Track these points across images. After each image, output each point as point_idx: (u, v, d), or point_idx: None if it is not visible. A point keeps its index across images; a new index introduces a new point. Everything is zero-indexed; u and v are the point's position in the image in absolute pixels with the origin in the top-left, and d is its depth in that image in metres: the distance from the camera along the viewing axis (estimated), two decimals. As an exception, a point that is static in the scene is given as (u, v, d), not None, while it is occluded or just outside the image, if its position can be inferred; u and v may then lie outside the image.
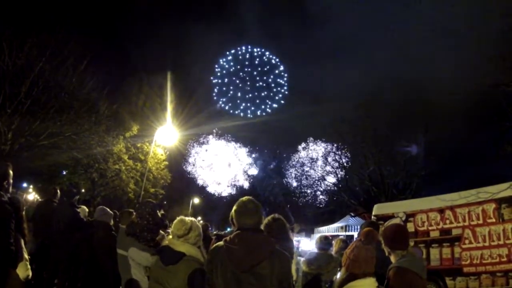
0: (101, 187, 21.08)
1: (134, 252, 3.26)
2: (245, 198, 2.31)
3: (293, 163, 29.80)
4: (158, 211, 4.06)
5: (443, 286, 7.95)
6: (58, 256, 5.14)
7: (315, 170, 26.51)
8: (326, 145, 26.79)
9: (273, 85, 61.82)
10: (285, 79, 62.11)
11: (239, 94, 61.26)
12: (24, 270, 2.83)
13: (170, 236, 2.83)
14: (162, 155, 24.52)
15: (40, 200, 9.88)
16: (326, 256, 3.81)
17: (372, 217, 10.07)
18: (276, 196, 32.87)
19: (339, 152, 25.15)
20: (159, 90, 26.99)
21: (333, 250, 4.53)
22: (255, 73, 62.30)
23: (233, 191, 35.43)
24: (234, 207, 2.26)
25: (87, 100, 16.88)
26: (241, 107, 60.50)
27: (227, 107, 59.57)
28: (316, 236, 8.87)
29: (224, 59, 62.06)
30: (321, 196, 27.39)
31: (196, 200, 38.68)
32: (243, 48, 62.92)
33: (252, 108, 60.55)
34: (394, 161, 20.91)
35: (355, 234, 16.06)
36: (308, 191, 28.23)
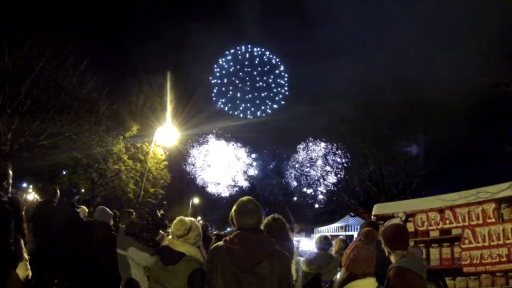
0: (101, 187, 21.08)
1: (133, 252, 3.27)
2: (245, 198, 2.31)
3: (293, 163, 29.82)
4: (158, 211, 4.06)
5: (443, 286, 7.95)
6: (58, 256, 5.15)
7: (315, 170, 26.50)
8: (326, 145, 26.78)
9: (273, 85, 60.81)
10: (285, 79, 61.13)
11: (238, 95, 60.29)
12: (24, 270, 2.83)
13: (170, 236, 2.83)
14: (162, 155, 24.52)
15: (40, 200, 9.88)
16: (326, 256, 3.81)
17: (372, 217, 10.06)
18: (276, 196, 32.87)
19: (339, 152, 25.15)
20: (159, 90, 27.03)
21: (333, 250, 4.53)
22: (255, 73, 61.29)
23: (233, 191, 35.42)
24: (234, 207, 2.26)
25: (87, 100, 16.88)
26: (241, 108, 59.60)
27: (226, 108, 58.67)
28: (316, 236, 8.86)
29: (223, 59, 61.07)
30: (321, 196, 27.38)
31: (196, 200, 38.69)
32: (243, 47, 61.85)
33: (252, 109, 59.68)
34: (394, 161, 20.91)
35: (355, 234, 16.06)
36: (308, 191, 28.25)
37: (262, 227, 2.49)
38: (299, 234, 23.94)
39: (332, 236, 12.06)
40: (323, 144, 27.04)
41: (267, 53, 62.21)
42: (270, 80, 61.34)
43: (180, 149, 28.80)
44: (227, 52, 61.46)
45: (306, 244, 21.02)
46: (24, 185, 26.98)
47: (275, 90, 61.28)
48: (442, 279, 7.98)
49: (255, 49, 62.20)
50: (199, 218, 30.84)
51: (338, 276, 2.65)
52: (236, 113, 58.27)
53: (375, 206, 10.68)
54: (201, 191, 36.92)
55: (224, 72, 61.31)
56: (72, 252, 5.03)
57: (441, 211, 8.57)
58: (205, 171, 36.40)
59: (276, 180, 33.59)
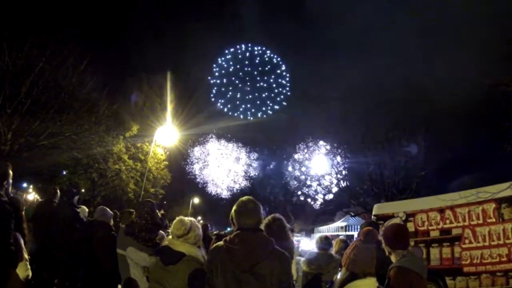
0: (101, 187, 21.09)
1: (132, 252, 3.27)
2: (245, 198, 2.30)
3: (293, 163, 29.84)
4: (158, 211, 4.05)
5: (443, 285, 7.95)
6: (58, 256, 5.14)
7: (315, 170, 26.51)
8: (326, 145, 26.80)
9: (274, 85, 58.92)
10: (287, 79, 59.16)
11: (238, 95, 58.25)
12: (24, 270, 2.83)
13: (170, 236, 2.82)
14: (162, 155, 24.53)
15: (40, 200, 9.89)
16: (327, 256, 3.81)
17: (372, 217, 10.06)
18: (276, 196, 32.88)
19: (339, 152, 25.15)
20: (159, 90, 27.04)
21: (333, 250, 4.52)
22: (255, 73, 59.44)
23: (233, 191, 35.45)
24: (234, 207, 2.26)
25: (87, 100, 16.88)
26: (241, 109, 57.51)
27: (226, 109, 56.74)
28: (316, 236, 8.86)
29: (222, 58, 59.10)
30: (321, 196, 27.40)
31: (196, 200, 38.69)
32: (243, 46, 59.62)
33: (253, 110, 57.59)
34: (394, 161, 20.92)
35: (355, 234, 16.07)
36: (308, 191, 28.27)
37: (262, 227, 2.48)
38: (299, 234, 23.99)
39: (332, 236, 12.07)
40: (323, 144, 27.07)
41: (268, 52, 60.22)
42: (271, 80, 59.43)
43: (180, 149, 28.82)
44: (226, 51, 59.47)
45: (306, 244, 21.05)
46: (24, 185, 26.99)
47: (276, 90, 59.26)
48: (443, 279, 7.97)
49: (255, 48, 60.25)
50: (199, 218, 30.82)
51: (339, 276, 2.65)
52: (236, 114, 56.37)
53: (375, 206, 10.67)
54: (201, 191, 36.99)
55: (223, 72, 59.35)
56: (72, 252, 5.02)
57: (441, 211, 8.57)
58: (205, 172, 36.46)
59: (276, 180, 33.63)
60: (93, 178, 20.53)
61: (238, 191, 34.95)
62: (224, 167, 37.14)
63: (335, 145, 25.46)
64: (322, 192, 26.80)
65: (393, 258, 2.63)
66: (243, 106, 57.58)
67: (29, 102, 14.23)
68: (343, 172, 24.70)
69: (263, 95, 58.43)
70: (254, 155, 37.52)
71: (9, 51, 13.55)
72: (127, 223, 3.62)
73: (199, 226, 2.85)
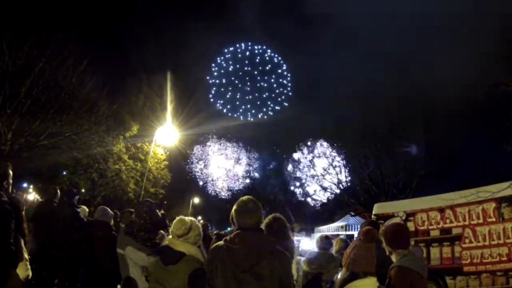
0: (101, 187, 21.10)
1: (130, 251, 3.27)
2: (245, 197, 2.30)
3: (293, 162, 29.83)
4: (158, 211, 4.05)
5: (443, 285, 7.95)
6: (58, 256, 5.14)
7: (315, 170, 26.51)
8: (326, 145, 26.80)
9: (275, 85, 57.09)
10: (288, 79, 57.36)
11: (238, 96, 56.31)
12: (24, 270, 2.83)
13: (170, 236, 2.82)
14: (162, 155, 24.54)
15: (40, 200, 9.89)
16: (327, 256, 3.81)
17: (372, 216, 10.06)
18: (276, 195, 32.87)
19: (339, 152, 25.16)
20: (159, 90, 27.03)
21: (334, 249, 4.52)
22: (255, 72, 57.58)
23: (233, 191, 35.45)
24: (234, 207, 2.25)
25: (87, 100, 16.90)
26: (241, 110, 55.60)
27: (225, 110, 54.87)
28: (317, 235, 8.86)
29: (221, 58, 57.33)
30: (321, 196, 27.40)
31: (196, 200, 38.70)
32: (242, 45, 57.71)
33: (253, 111, 55.63)
34: (394, 160, 20.92)
35: (355, 234, 16.07)
36: (308, 190, 28.27)
37: (262, 226, 2.48)
38: (300, 234, 23.98)
39: (332, 235, 12.07)
40: (323, 144, 27.06)
41: (269, 51, 58.28)
42: (272, 80, 57.51)
43: (180, 149, 28.81)
44: (226, 51, 57.59)
45: (306, 244, 21.04)
46: (24, 185, 27.00)
47: (277, 91, 57.30)
48: (443, 279, 7.97)
49: (255, 47, 58.31)
50: (199, 217, 30.83)
51: (339, 276, 2.65)
52: (235, 115, 54.46)
53: (375, 206, 10.67)
54: (201, 191, 37.00)
55: (222, 71, 57.50)
56: (72, 252, 5.02)
57: (441, 210, 8.57)
58: (205, 171, 36.47)
59: (276, 180, 33.62)
60: (93, 178, 20.53)
61: (238, 191, 34.96)
62: (224, 167, 37.16)
63: (335, 145, 25.47)
64: (322, 191, 26.79)
65: (393, 257, 2.63)
66: (243, 107, 55.97)
67: (29, 102, 14.23)
68: (343, 172, 24.72)
69: (264, 95, 56.80)
70: (254, 155, 37.53)
71: (9, 51, 13.56)
72: (127, 223, 3.63)
73: (199, 226, 2.85)
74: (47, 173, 19.91)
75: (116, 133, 19.34)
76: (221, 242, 2.18)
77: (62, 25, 15.55)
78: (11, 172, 3.00)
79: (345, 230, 18.21)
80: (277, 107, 55.93)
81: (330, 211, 27.43)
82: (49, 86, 15.02)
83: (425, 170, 20.01)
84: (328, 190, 25.70)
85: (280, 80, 57.63)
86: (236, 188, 35.57)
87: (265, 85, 57.13)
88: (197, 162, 36.50)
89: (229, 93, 56.31)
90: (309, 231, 25.89)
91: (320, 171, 25.84)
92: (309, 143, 28.11)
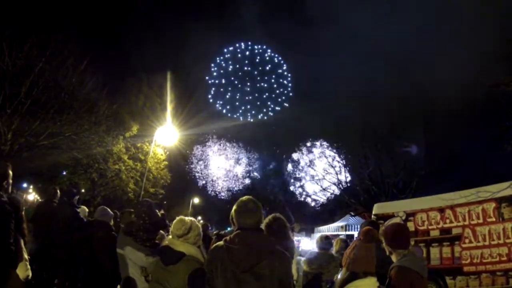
0: (101, 187, 21.09)
1: (129, 251, 3.27)
2: (245, 197, 2.30)
3: (293, 163, 29.84)
4: (158, 211, 4.05)
5: (443, 285, 7.95)
6: (58, 256, 5.14)
7: (315, 170, 26.52)
8: (326, 145, 26.80)
9: (275, 86, 55.93)
10: (288, 79, 56.21)
11: (238, 96, 55.09)
12: (24, 270, 2.83)
13: (170, 236, 2.82)
14: (162, 155, 24.53)
15: (40, 200, 9.89)
16: (327, 256, 3.81)
17: (372, 216, 10.06)
18: (276, 195, 32.87)
19: (339, 152, 25.16)
20: (159, 90, 27.02)
21: (334, 250, 4.53)
22: (255, 72, 56.49)
23: (233, 191, 35.44)
24: (234, 207, 2.25)
25: (87, 100, 16.89)
26: (241, 110, 54.32)
27: (224, 110, 53.63)
28: (317, 235, 8.85)
29: (221, 58, 56.23)
30: (321, 196, 27.40)
31: (196, 200, 38.70)
32: (242, 44, 56.41)
33: (253, 112, 54.33)
34: (394, 160, 20.92)
35: (355, 234, 16.07)
36: (308, 190, 28.27)
37: (262, 226, 2.48)
38: (300, 234, 23.97)
39: (332, 235, 12.06)
40: (323, 144, 27.07)
41: (269, 51, 57.06)
42: (272, 81, 56.27)
43: (180, 149, 28.81)
44: (225, 50, 56.42)
45: (306, 244, 21.02)
46: (24, 185, 27.01)
47: (277, 91, 56.06)
48: (443, 279, 7.97)
49: (255, 47, 57.05)
50: (199, 218, 30.83)
51: (339, 276, 2.65)
52: (235, 116, 53.12)
53: (375, 206, 10.67)
54: (201, 191, 37.00)
55: (222, 71, 56.34)
56: (72, 252, 5.02)
57: (441, 210, 8.57)
58: (205, 172, 36.47)
59: (276, 180, 33.63)
60: (93, 178, 20.53)
61: (238, 191, 34.96)
62: (224, 167, 37.15)
63: (335, 144, 25.47)
64: (322, 191, 26.80)
65: (393, 257, 2.62)
66: (243, 107, 54.83)
67: (29, 102, 14.23)
68: (343, 172, 24.71)
69: (264, 96, 55.69)
70: (254, 155, 37.53)
71: (9, 51, 13.55)
72: (127, 223, 3.63)
73: (199, 226, 2.85)
74: (47, 173, 19.92)
75: (116, 133, 19.33)
76: (221, 242, 2.18)
77: (62, 25, 15.57)
78: (11, 172, 3.00)
79: (345, 230, 18.21)
80: (277, 108, 54.91)
81: (330, 211, 27.42)
82: (49, 86, 15.02)
83: (425, 170, 20.01)
84: (328, 190, 25.70)
85: (281, 80, 56.70)
86: (236, 188, 35.58)
87: (265, 85, 56.23)
88: (197, 162, 36.51)
89: (229, 94, 55.43)
90: (309, 231, 25.87)
91: (320, 171, 25.85)
92: (309, 143, 28.12)
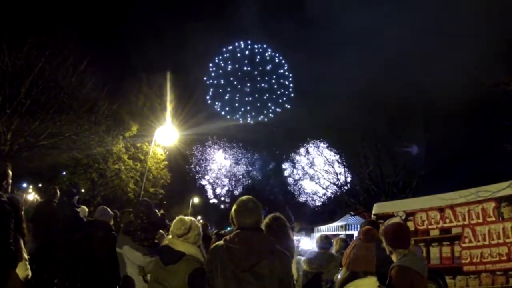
0: (101, 187, 21.09)
1: (127, 251, 3.28)
2: (245, 197, 2.30)
3: (293, 162, 29.86)
4: (157, 211, 4.04)
5: (443, 285, 7.95)
6: (58, 256, 5.14)
7: (315, 170, 26.53)
8: (326, 145, 26.81)
9: (276, 86, 54.49)
10: (290, 79, 54.88)
11: (237, 97, 53.66)
12: (23, 270, 2.83)
13: (170, 236, 2.82)
14: (161, 155, 24.52)
15: (40, 200, 9.88)
16: (327, 256, 3.81)
17: (372, 216, 10.06)
18: (276, 195, 32.89)
19: (339, 152, 25.17)
20: (158, 90, 27.02)
21: (333, 249, 4.52)
22: (255, 72, 55.05)
23: (233, 191, 35.47)
24: (234, 206, 2.25)
25: (87, 100, 16.88)
26: (240, 112, 52.97)
27: (223, 112, 52.29)
28: (316, 235, 8.86)
29: (220, 57, 54.87)
30: (321, 195, 27.42)
31: (196, 200, 38.71)
32: (242, 44, 54.87)
33: (253, 113, 52.96)
34: (394, 160, 20.94)
35: (355, 233, 16.08)
36: (308, 190, 28.29)
37: (262, 226, 2.48)
38: (299, 233, 23.97)
39: (332, 235, 12.07)
40: (323, 144, 27.08)
41: (269, 50, 55.50)
42: (273, 81, 54.76)
43: (180, 149, 28.80)
44: (224, 50, 54.88)
45: (306, 243, 21.03)
46: (24, 185, 26.99)
47: (278, 92, 54.48)
48: (442, 278, 7.98)
49: (255, 46, 55.48)
50: (199, 217, 30.83)
51: (339, 275, 2.65)
52: (234, 117, 51.57)
53: (375, 205, 10.68)
54: (201, 191, 37.03)
55: (221, 71, 54.78)
56: (72, 252, 5.02)
57: (441, 210, 8.58)
58: (205, 172, 36.49)
59: (276, 180, 33.65)
60: (93, 178, 20.53)
61: (238, 191, 34.99)
62: (224, 167, 37.17)
63: (335, 144, 25.47)
64: (322, 191, 26.81)
65: (394, 257, 2.62)
66: (242, 109, 53.50)
67: (28, 102, 14.22)
68: (343, 172, 24.72)
69: (264, 97, 54.22)
70: (254, 155, 37.54)
71: (9, 51, 13.54)
72: (126, 223, 3.63)
73: (199, 225, 2.85)
74: (47, 173, 19.92)
75: (115, 133, 19.32)
76: (220, 242, 2.18)
77: (62, 25, 15.55)
78: (10, 172, 3.00)
79: (345, 230, 18.22)
80: (278, 109, 53.49)
81: (330, 210, 27.45)
82: (48, 86, 15.01)
83: (425, 170, 20.03)
84: (328, 190, 25.71)
85: (281, 80, 55.41)
86: (235, 190, 35.60)
87: (266, 86, 54.96)
88: (197, 162, 36.54)
89: (228, 95, 54.16)
90: (309, 231, 25.87)
91: (320, 171, 25.86)
92: (309, 143, 28.13)
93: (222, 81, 54.70)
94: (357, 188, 23.31)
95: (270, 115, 53.01)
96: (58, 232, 5.14)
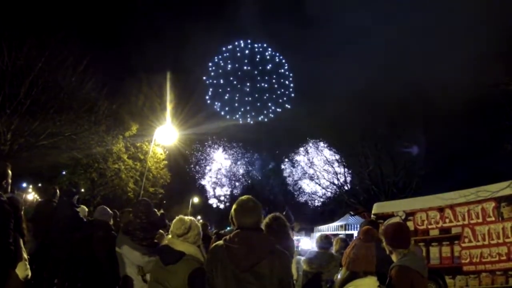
0: (100, 186, 21.08)
1: (126, 250, 3.28)
2: (244, 197, 2.30)
3: (293, 162, 29.85)
4: (157, 210, 4.04)
5: (443, 285, 7.96)
6: (58, 256, 5.13)
7: (314, 170, 26.53)
8: (326, 145, 26.81)
9: (276, 86, 53.81)
10: (290, 79, 54.25)
11: (237, 97, 52.98)
12: (23, 270, 2.82)
13: (170, 236, 2.82)
14: (161, 154, 24.52)
15: (39, 200, 9.87)
16: (327, 255, 3.80)
17: (372, 216, 10.06)
18: (276, 195, 32.88)
19: (339, 151, 25.17)
20: (158, 90, 27.03)
21: (333, 249, 4.52)
22: (255, 72, 54.38)
23: (233, 191, 35.46)
24: (234, 206, 2.25)
25: (87, 100, 16.88)
26: (240, 112, 52.37)
27: (223, 112, 51.82)
28: (316, 235, 8.85)
29: (219, 57, 54.35)
30: (320, 195, 27.42)
31: (196, 200, 38.72)
32: (241, 43, 54.23)
33: (253, 113, 52.40)
34: (394, 160, 20.95)
35: (355, 233, 16.08)
36: (308, 190, 28.29)
37: (262, 226, 2.48)
38: (299, 233, 23.98)
39: (332, 235, 12.05)
40: (322, 144, 27.08)
41: (270, 49, 54.84)
42: (273, 81, 54.03)
43: (180, 149, 28.80)
44: (223, 49, 54.25)
45: (306, 243, 21.04)
46: (24, 185, 26.98)
47: (279, 92, 53.71)
48: (442, 278, 7.98)
49: (255, 45, 54.78)
50: (199, 217, 30.82)
51: (339, 275, 2.64)
52: (234, 117, 50.98)
53: (375, 205, 10.68)
54: (201, 191, 37.04)
55: (220, 71, 54.07)
56: (72, 252, 5.02)
57: (441, 210, 8.58)
58: (205, 172, 36.49)
59: (276, 180, 33.64)
60: (93, 178, 20.52)
61: (238, 191, 34.99)
62: (223, 167, 37.16)
63: (334, 144, 25.46)
64: (322, 191, 26.81)
65: (394, 257, 2.62)
66: (242, 109, 52.92)
67: (28, 102, 14.22)
68: (343, 172, 24.72)
69: (264, 97, 53.55)
70: (254, 155, 37.54)
71: (9, 51, 13.54)
72: (125, 222, 3.63)
73: (199, 225, 2.85)
74: (47, 173, 19.90)
75: (115, 133, 19.32)
76: (220, 242, 2.18)
77: (62, 25, 15.54)
78: (10, 172, 2.99)
79: (345, 230, 18.21)
80: (278, 109, 52.92)
81: (330, 210, 27.45)
82: (48, 86, 15.00)
83: (425, 170, 20.04)
84: (328, 190, 25.72)
85: (282, 80, 54.77)
86: (235, 191, 35.59)
87: (266, 85, 54.34)
88: (197, 162, 36.54)
89: (227, 94, 53.62)
90: (308, 231, 25.87)
91: (320, 170, 25.86)
92: (309, 143, 28.13)
93: (221, 81, 54.33)
94: (357, 188, 23.32)
95: (270, 115, 52.65)
96: (58, 232, 5.14)
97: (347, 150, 23.90)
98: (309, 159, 27.40)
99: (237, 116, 52.19)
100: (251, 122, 50.83)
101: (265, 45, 55.50)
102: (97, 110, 17.46)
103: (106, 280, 4.29)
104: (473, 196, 8.03)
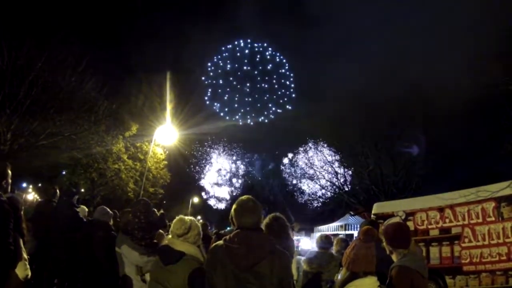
0: (100, 186, 21.08)
1: (125, 250, 3.28)
2: (244, 197, 2.30)
3: (293, 162, 29.85)
4: (157, 210, 4.05)
5: (443, 285, 7.95)
6: (58, 256, 5.13)
7: (314, 170, 26.53)
8: (326, 145, 26.80)
9: (276, 86, 53.04)
10: (291, 79, 53.49)
11: (236, 98, 52.23)
12: (23, 270, 2.82)
13: (170, 236, 2.82)
14: (161, 154, 24.51)
15: (39, 200, 9.87)
16: (327, 256, 3.80)
17: (372, 216, 10.06)
18: (276, 195, 32.88)
19: (339, 151, 25.16)
20: (158, 90, 27.01)
21: (334, 249, 4.52)
22: (255, 72, 53.58)
23: (232, 191, 35.45)
24: (234, 206, 2.25)
25: (87, 100, 16.87)
26: (240, 113, 51.61)
27: (222, 113, 51.13)
28: (316, 235, 8.86)
29: (219, 57, 53.74)
30: (320, 195, 27.41)
31: (196, 200, 38.72)
32: (241, 42, 53.47)
33: (253, 114, 51.55)
34: (394, 160, 20.95)
35: (355, 233, 16.08)
36: (308, 190, 28.28)
37: (262, 226, 2.48)
38: (299, 233, 23.96)
39: (332, 235, 12.05)
40: (322, 144, 27.07)
41: (270, 49, 54.01)
42: (274, 81, 53.20)
43: (180, 149, 28.80)
44: (223, 49, 53.60)
45: (306, 243, 21.03)
46: (24, 185, 26.97)
47: (279, 92, 52.89)
48: (442, 278, 7.98)
49: (255, 45, 53.91)
50: (199, 217, 30.82)
51: (339, 275, 2.64)
52: (234, 118, 50.10)
53: (375, 205, 10.68)
54: (201, 190, 37.05)
55: (219, 71, 53.43)
56: (72, 252, 5.01)
57: (441, 210, 8.58)
58: (204, 171, 36.49)
59: (276, 180, 33.63)
60: (93, 178, 20.52)
61: (238, 191, 34.98)
62: (223, 167, 37.16)
63: (334, 144, 25.45)
64: (322, 191, 26.81)
65: (394, 257, 2.62)
66: (242, 110, 52.23)
67: (28, 102, 14.22)
68: (343, 172, 24.72)
69: (265, 97, 52.83)
70: (254, 155, 37.54)
71: (9, 51, 13.54)
72: (125, 222, 3.64)
73: (199, 225, 2.85)
74: (47, 173, 19.91)
75: (115, 133, 19.31)
76: (220, 242, 2.18)
77: (62, 25, 15.56)
78: (10, 171, 2.99)
79: (345, 230, 18.20)
80: (279, 110, 52.13)
81: (330, 210, 27.42)
82: (48, 86, 15.00)
83: (425, 170, 20.04)
84: (328, 190, 25.71)
85: (282, 80, 54.02)
86: (236, 190, 35.58)
87: (266, 86, 53.59)
88: (197, 162, 36.54)
89: (227, 95, 52.90)
90: (308, 231, 25.86)
91: (320, 170, 25.86)
92: (309, 143, 28.12)
93: (220, 81, 53.77)
94: (357, 188, 23.31)
95: (271, 116, 51.90)
96: (58, 232, 5.13)
97: (347, 150, 23.89)
98: (309, 159, 27.39)
99: (237, 117, 51.67)
100: (251, 123, 50.27)
101: (265, 44, 55.01)
102: (97, 110, 17.45)
103: (106, 280, 4.29)
104: (473, 196, 8.03)
